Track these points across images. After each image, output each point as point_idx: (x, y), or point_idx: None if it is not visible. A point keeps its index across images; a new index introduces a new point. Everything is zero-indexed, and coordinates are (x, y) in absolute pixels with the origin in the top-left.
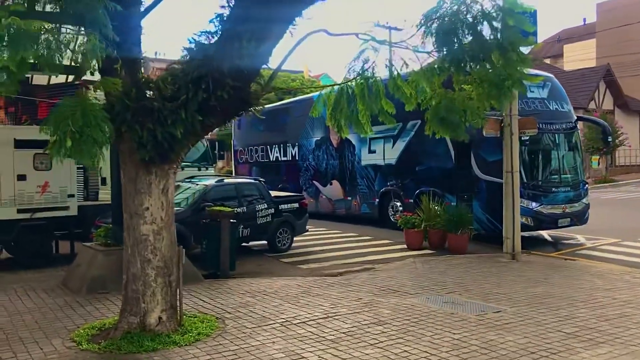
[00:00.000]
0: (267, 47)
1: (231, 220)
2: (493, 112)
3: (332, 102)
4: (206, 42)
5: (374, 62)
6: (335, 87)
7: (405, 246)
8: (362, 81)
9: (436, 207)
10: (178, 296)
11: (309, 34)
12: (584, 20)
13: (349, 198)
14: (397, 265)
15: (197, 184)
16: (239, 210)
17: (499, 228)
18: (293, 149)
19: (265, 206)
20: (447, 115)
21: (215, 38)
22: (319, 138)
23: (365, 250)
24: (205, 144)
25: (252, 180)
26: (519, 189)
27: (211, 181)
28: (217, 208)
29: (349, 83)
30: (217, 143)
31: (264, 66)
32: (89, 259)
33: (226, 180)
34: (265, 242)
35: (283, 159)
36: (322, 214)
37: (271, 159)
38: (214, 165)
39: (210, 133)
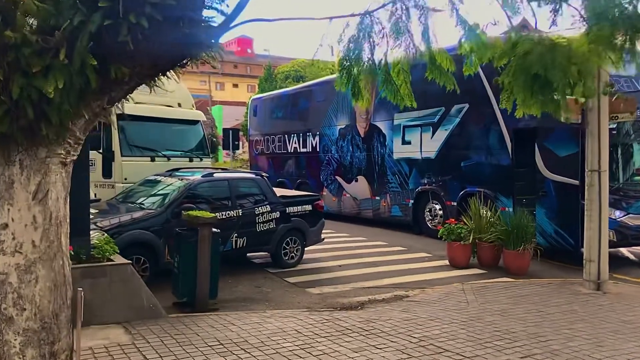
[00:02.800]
0: None
1: (213, 230)
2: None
3: None
4: None
5: None
6: None
7: (447, 262)
8: None
9: (488, 214)
10: None
11: None
12: None
13: (377, 198)
14: (440, 296)
15: (179, 179)
16: (231, 213)
17: (571, 243)
18: (313, 139)
19: (268, 209)
20: (545, 71)
21: None
22: (343, 126)
23: (396, 268)
24: (203, 131)
25: (251, 175)
26: (607, 193)
27: (197, 176)
28: (194, 213)
29: None
30: (231, 132)
31: None
32: None
33: (216, 175)
34: (267, 254)
35: (302, 150)
36: (346, 216)
37: (289, 151)
38: (211, 156)
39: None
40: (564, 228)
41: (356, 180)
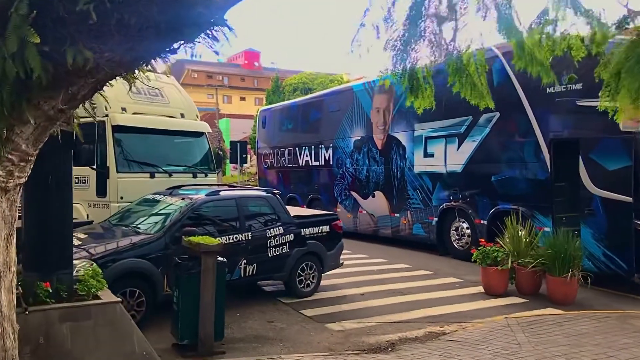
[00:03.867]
0: None
1: (219, 259)
2: None
3: None
4: None
5: None
6: None
7: (481, 289)
8: None
9: (527, 236)
10: None
11: None
12: None
13: (397, 215)
14: (483, 333)
15: (181, 198)
16: (240, 237)
17: (623, 268)
18: (326, 151)
19: (281, 231)
20: None
21: None
22: (358, 138)
23: (425, 296)
24: (208, 144)
25: (262, 193)
26: None
27: (201, 194)
28: (196, 239)
29: None
30: (238, 145)
31: None
32: None
33: (223, 193)
34: (280, 282)
35: (314, 163)
36: (362, 234)
37: (300, 164)
38: (217, 171)
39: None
40: (615, 251)
41: (373, 196)
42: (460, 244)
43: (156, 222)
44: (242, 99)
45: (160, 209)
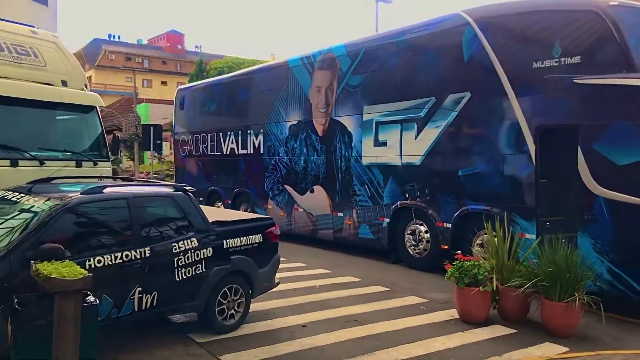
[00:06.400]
0: None
1: (88, 300)
2: None
3: None
4: None
5: None
6: None
7: (454, 313)
8: None
9: (515, 247)
10: None
11: None
12: None
13: (340, 214)
14: None
15: (46, 197)
16: (132, 254)
17: (636, 289)
18: (256, 137)
19: (194, 243)
20: None
21: None
22: (295, 122)
23: (387, 326)
24: (100, 123)
25: (167, 190)
26: None
27: (76, 191)
28: (49, 268)
29: None
30: (152, 128)
31: None
32: None
33: (109, 190)
34: (194, 313)
35: (241, 151)
36: (298, 235)
37: (224, 152)
38: (113, 159)
39: None
40: (624, 267)
41: (312, 191)
42: (417, 251)
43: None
44: (164, 83)
45: (11, 214)
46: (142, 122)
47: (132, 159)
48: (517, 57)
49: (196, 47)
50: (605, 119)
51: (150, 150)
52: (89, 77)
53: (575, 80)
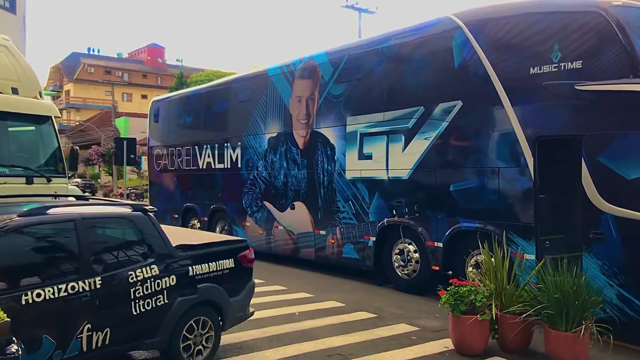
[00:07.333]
0: None
1: (9, 350)
2: None
3: None
4: None
5: None
6: None
7: (448, 344)
8: None
9: (516, 269)
10: None
11: None
12: None
13: (323, 232)
14: None
15: None
16: (80, 285)
17: None
18: (234, 151)
19: (155, 271)
20: None
21: None
22: (274, 135)
23: None
24: (55, 134)
25: (123, 211)
26: None
27: (13, 213)
28: None
29: None
30: (125, 142)
31: None
32: None
33: (54, 211)
34: (156, 350)
35: (218, 166)
36: (278, 255)
37: (201, 167)
38: (70, 175)
39: None
40: (636, 291)
41: (292, 208)
42: (406, 272)
43: None
44: (144, 97)
45: None
46: (120, 136)
47: (111, 174)
48: (512, 62)
49: (177, 60)
50: (612, 128)
51: (123, 165)
52: (67, 91)
53: (576, 87)
